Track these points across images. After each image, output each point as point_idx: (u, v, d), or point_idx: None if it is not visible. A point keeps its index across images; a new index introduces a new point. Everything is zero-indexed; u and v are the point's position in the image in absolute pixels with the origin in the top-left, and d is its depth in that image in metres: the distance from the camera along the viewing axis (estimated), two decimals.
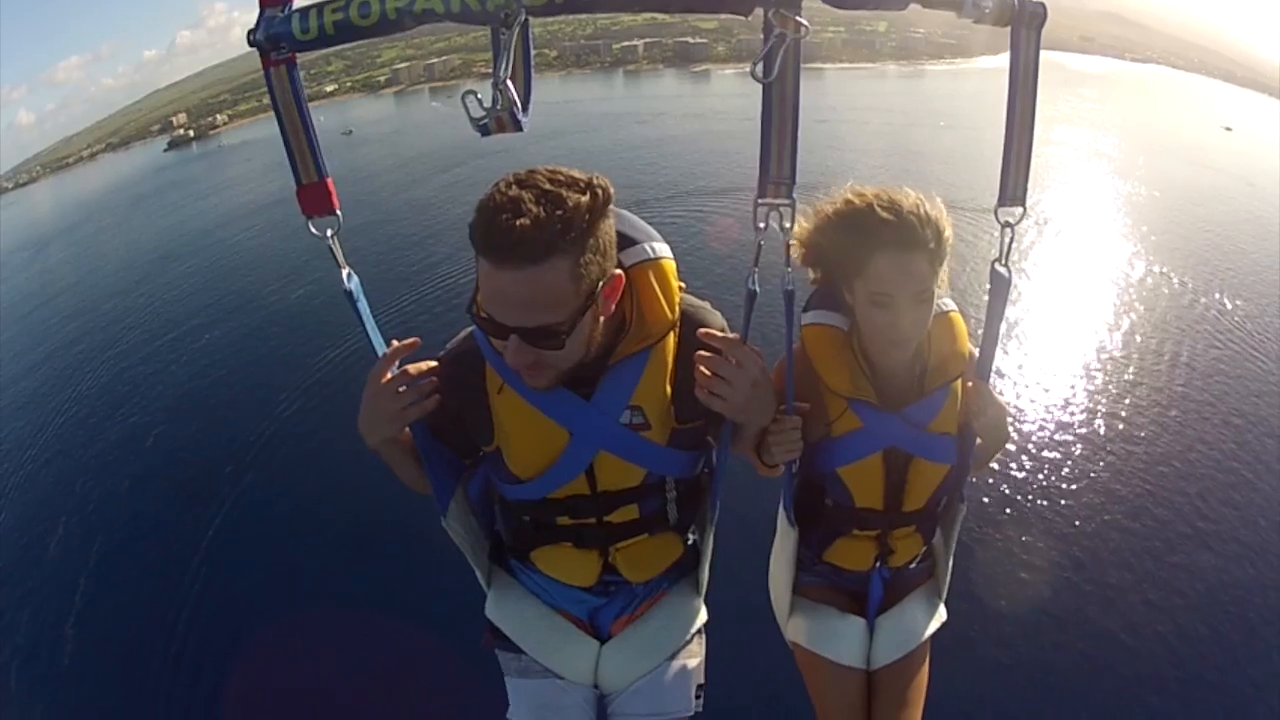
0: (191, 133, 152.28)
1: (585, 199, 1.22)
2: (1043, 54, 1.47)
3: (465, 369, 1.52)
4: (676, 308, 1.50)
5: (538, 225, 1.17)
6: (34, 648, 9.44)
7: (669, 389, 1.49)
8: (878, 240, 1.57)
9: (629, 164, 37.91)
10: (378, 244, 27.46)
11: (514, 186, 1.21)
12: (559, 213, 1.19)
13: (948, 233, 1.64)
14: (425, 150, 53.22)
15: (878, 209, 1.59)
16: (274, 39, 1.25)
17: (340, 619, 7.46)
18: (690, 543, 1.84)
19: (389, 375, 1.46)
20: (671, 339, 1.49)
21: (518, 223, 1.16)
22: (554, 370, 1.37)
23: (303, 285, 23.01)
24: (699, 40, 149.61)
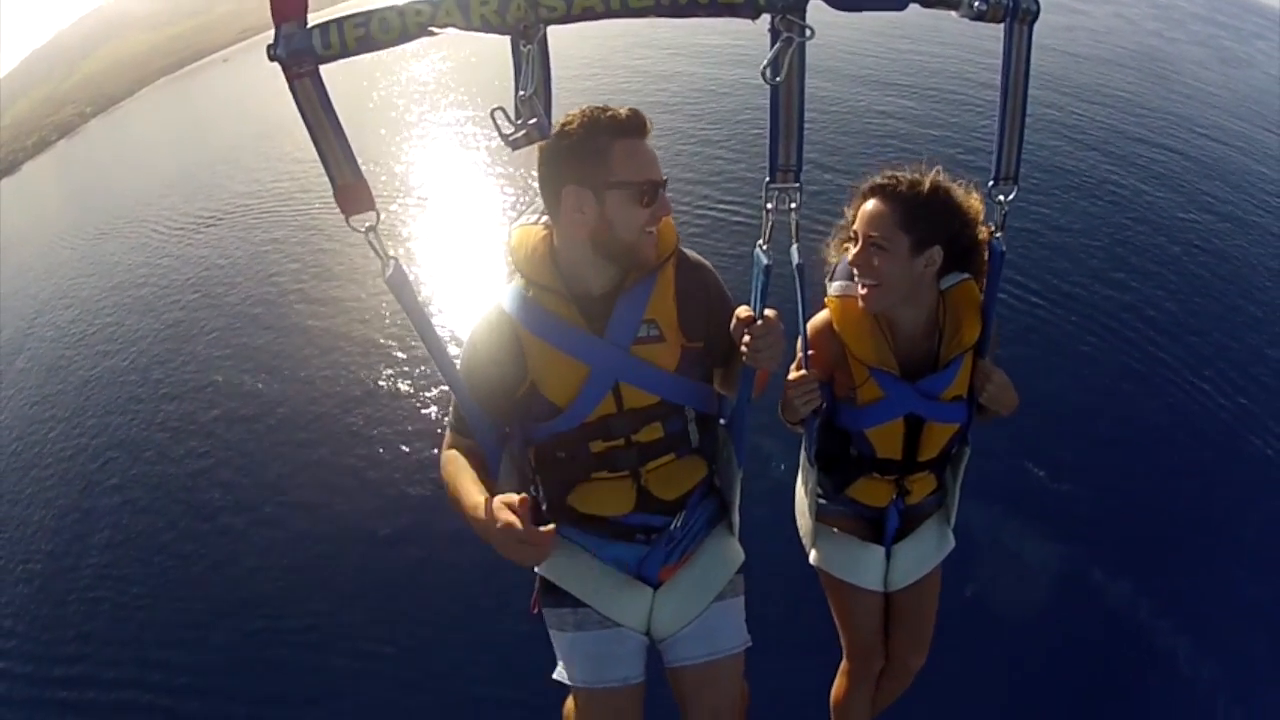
0: None
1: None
2: None
3: (502, 323, 1.70)
4: (674, 239, 1.73)
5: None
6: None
7: (675, 305, 1.70)
8: (868, 189, 1.86)
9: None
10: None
11: (599, 105, 1.56)
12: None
13: (927, 202, 1.78)
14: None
15: (887, 172, 1.85)
16: (296, 55, 1.28)
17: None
18: (717, 483, 1.98)
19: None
20: (671, 265, 1.72)
21: (636, 110, 1.55)
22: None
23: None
24: None
